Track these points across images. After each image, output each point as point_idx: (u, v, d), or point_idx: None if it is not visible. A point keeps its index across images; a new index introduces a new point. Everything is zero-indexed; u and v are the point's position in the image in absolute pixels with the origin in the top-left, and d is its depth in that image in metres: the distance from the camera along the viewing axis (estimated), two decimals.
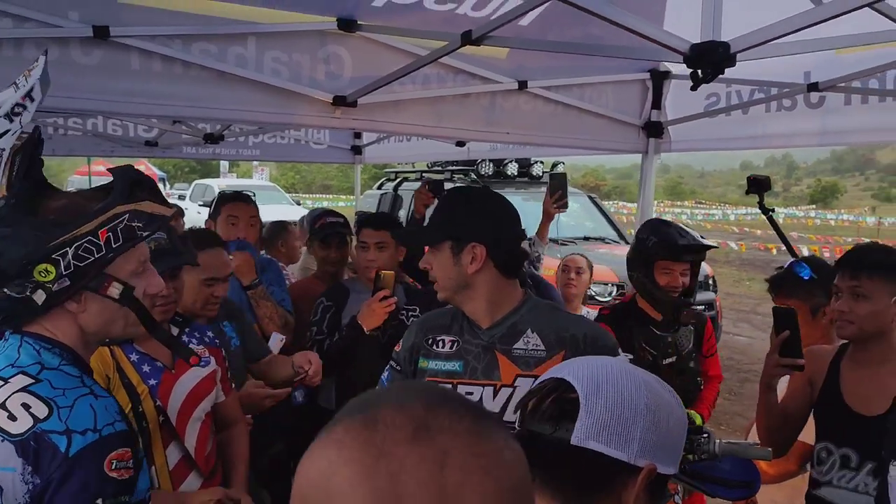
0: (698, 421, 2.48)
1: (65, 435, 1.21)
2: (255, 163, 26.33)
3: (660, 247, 2.97)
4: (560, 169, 9.67)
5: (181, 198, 21.24)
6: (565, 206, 3.69)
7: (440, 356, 1.96)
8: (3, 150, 1.21)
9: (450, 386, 1.88)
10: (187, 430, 2.20)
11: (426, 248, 2.00)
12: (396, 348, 2.10)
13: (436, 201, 4.35)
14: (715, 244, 3.31)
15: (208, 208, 4.00)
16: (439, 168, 10.09)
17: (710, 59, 1.58)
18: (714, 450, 2.00)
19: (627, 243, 9.50)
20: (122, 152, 6.03)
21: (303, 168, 55.80)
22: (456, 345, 1.94)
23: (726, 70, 1.88)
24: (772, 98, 3.31)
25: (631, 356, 2.59)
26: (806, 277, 2.61)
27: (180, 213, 5.68)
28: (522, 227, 2.00)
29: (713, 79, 1.64)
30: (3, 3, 2.36)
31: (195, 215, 17.21)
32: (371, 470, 0.58)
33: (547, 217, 3.77)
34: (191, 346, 2.32)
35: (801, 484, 2.46)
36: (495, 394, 1.85)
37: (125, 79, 2.64)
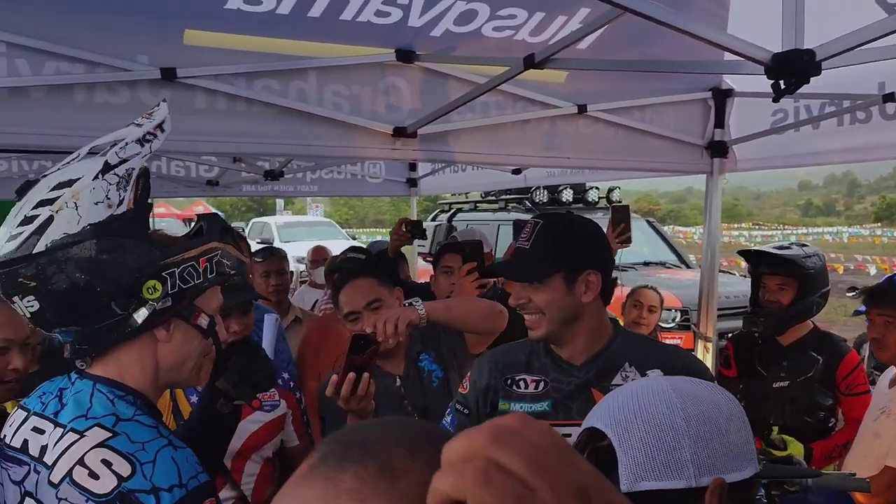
0: (791, 449, 2.36)
1: (152, 494, 1.15)
2: (310, 199, 26.80)
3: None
4: (616, 194, 9.55)
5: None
6: (629, 240, 3.53)
7: (525, 397, 1.84)
8: (133, 169, 1.26)
9: None
10: (244, 473, 2.19)
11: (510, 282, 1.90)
12: (461, 390, 1.96)
13: (414, 242, 4.29)
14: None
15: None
16: (493, 198, 10.08)
17: (794, 69, 1.50)
18: (806, 482, 1.89)
19: (689, 267, 9.35)
20: (184, 192, 6.17)
21: (356, 203, 56.54)
22: (543, 384, 1.84)
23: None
24: (844, 111, 3.18)
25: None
26: None
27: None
28: None
29: (797, 89, 1.57)
30: (76, 49, 2.44)
31: None
32: None
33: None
34: None
35: None
36: None
37: (191, 118, 2.69)
